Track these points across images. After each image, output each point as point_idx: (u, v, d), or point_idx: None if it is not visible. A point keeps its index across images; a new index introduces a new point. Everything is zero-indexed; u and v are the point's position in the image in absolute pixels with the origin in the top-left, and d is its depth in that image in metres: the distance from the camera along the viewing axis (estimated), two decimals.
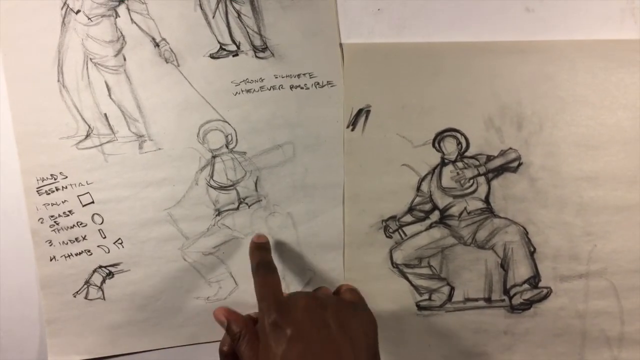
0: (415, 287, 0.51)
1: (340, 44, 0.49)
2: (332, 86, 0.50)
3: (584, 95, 0.48)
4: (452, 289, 0.51)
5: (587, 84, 0.48)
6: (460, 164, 0.50)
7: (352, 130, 0.50)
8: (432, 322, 0.51)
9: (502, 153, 0.49)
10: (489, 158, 0.49)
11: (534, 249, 0.50)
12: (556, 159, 0.49)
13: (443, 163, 0.50)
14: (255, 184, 0.51)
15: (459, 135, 0.49)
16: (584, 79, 0.48)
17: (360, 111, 0.49)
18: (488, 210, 0.50)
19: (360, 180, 0.50)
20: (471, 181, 0.50)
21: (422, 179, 0.50)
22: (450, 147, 0.49)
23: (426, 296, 0.51)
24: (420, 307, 0.51)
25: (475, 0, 0.48)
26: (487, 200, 0.50)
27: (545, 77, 0.48)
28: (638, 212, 0.49)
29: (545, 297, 0.50)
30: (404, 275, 0.51)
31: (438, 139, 0.49)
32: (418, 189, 0.50)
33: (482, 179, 0.50)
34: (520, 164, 0.49)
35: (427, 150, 0.49)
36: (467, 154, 0.49)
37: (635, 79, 0.48)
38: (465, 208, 0.50)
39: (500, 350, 0.51)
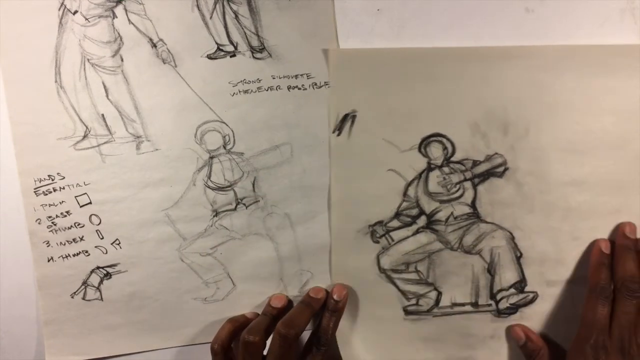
0: (403, 292, 0.51)
1: (325, 50, 0.49)
2: (329, 87, 0.50)
3: (569, 100, 0.48)
4: (440, 293, 0.51)
5: (573, 89, 0.48)
6: (446, 169, 0.49)
7: (338, 135, 0.50)
8: (420, 327, 0.51)
9: (488, 158, 0.49)
10: (475, 163, 0.49)
11: (521, 253, 0.50)
12: (542, 164, 0.49)
13: (429, 168, 0.50)
14: (253, 184, 0.51)
15: (444, 140, 0.49)
16: (569, 84, 0.48)
17: (346, 116, 0.49)
18: (474, 215, 0.50)
19: (347, 185, 0.50)
20: (457, 186, 0.50)
21: (409, 184, 0.50)
22: (436, 152, 0.49)
23: (413, 301, 0.51)
24: (407, 312, 0.51)
25: (475, 0, 0.48)
26: (473, 205, 0.50)
27: (531, 82, 0.48)
28: (625, 217, 0.48)
29: (532, 301, 0.50)
30: (391, 280, 0.51)
31: (424, 144, 0.49)
32: (404, 194, 0.50)
33: (468, 184, 0.50)
34: (506, 169, 0.49)
35: (414, 155, 0.49)
36: (453, 159, 0.49)
37: (621, 83, 0.47)
38: (451, 213, 0.50)
39: (487, 355, 0.51)
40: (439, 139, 0.49)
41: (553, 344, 0.50)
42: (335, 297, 0.49)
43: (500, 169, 0.49)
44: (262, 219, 0.51)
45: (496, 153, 0.49)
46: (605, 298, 0.45)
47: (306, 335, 0.52)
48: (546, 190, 0.49)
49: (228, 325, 0.50)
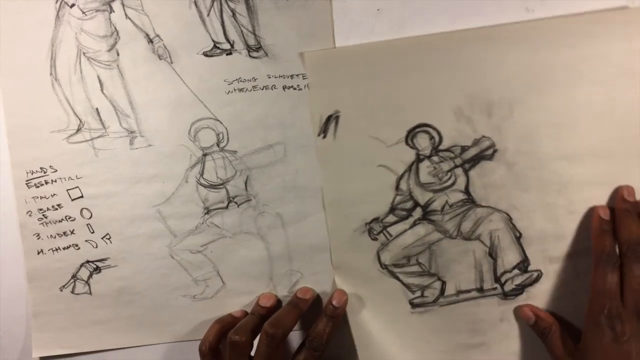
0: (407, 286, 0.51)
1: (301, 53, 0.49)
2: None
3: (550, 74, 0.47)
4: (444, 283, 0.51)
5: (552, 63, 0.47)
6: (435, 158, 0.49)
7: (324, 137, 0.49)
8: (428, 319, 0.51)
9: (476, 142, 0.49)
10: (464, 149, 0.49)
11: (520, 233, 0.49)
12: (531, 142, 0.48)
13: (418, 159, 0.49)
14: (245, 183, 0.51)
15: (430, 130, 0.49)
16: (547, 57, 0.47)
17: (329, 118, 0.49)
18: (469, 200, 0.50)
19: (338, 186, 0.50)
20: (449, 174, 0.49)
21: (400, 178, 0.50)
22: (423, 142, 0.49)
23: (418, 293, 0.51)
24: (413, 305, 0.51)
25: (476, 0, 0.48)
26: (467, 191, 0.50)
27: (509, 60, 0.48)
28: (619, 185, 0.48)
29: (537, 280, 0.50)
30: (393, 275, 0.51)
31: (410, 136, 0.49)
32: (397, 188, 0.50)
33: (459, 171, 0.49)
34: (495, 151, 0.49)
35: (401, 149, 0.49)
36: (441, 147, 0.49)
37: (599, 51, 0.47)
38: (446, 201, 0.50)
39: (498, 339, 0.50)
40: (425, 129, 0.49)
41: (562, 320, 0.50)
42: (334, 302, 0.49)
43: (489, 152, 0.49)
44: (254, 218, 0.51)
45: (483, 136, 0.49)
46: (613, 264, 0.45)
47: (294, 335, 0.52)
48: (538, 167, 0.48)
49: (216, 326, 0.50)
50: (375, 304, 0.51)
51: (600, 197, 0.48)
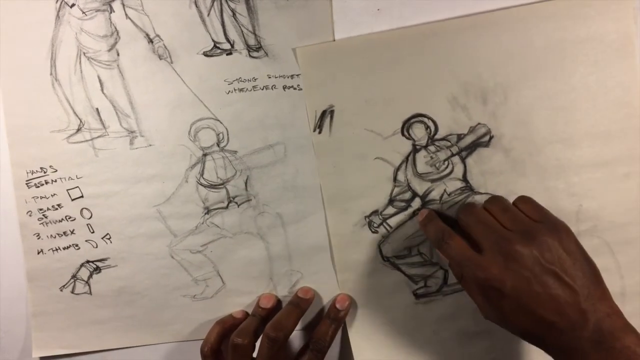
0: (410, 277, 0.51)
1: (294, 49, 0.49)
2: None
3: (542, 58, 0.48)
4: (446, 272, 0.51)
5: (543, 47, 0.47)
6: (432, 148, 0.49)
7: (320, 133, 0.50)
8: (432, 308, 0.51)
9: (472, 130, 0.49)
10: (460, 137, 0.49)
11: None
12: (526, 126, 0.48)
13: (415, 149, 0.50)
14: (246, 183, 0.51)
15: (426, 120, 0.49)
16: (539, 42, 0.47)
17: (324, 113, 0.49)
18: (467, 188, 0.50)
19: (336, 181, 0.50)
20: (446, 163, 0.50)
21: (398, 169, 0.50)
22: (419, 132, 0.49)
23: (422, 284, 0.51)
24: (417, 296, 0.51)
25: (477, 1, 0.48)
26: (465, 178, 0.50)
27: (502, 47, 0.48)
28: (617, 165, 0.48)
29: None
30: (396, 267, 0.51)
31: (406, 127, 0.49)
32: (395, 179, 0.50)
33: (456, 159, 0.49)
34: (491, 138, 0.49)
35: (398, 140, 0.49)
36: (437, 136, 0.49)
37: (590, 32, 0.47)
38: (444, 190, 0.50)
39: None
40: (420, 119, 0.49)
41: None
42: (338, 306, 0.50)
43: (486, 139, 0.49)
44: (254, 218, 0.51)
45: (479, 123, 0.49)
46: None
47: (293, 335, 0.52)
48: (535, 151, 0.49)
49: (217, 328, 0.50)
50: (378, 297, 0.51)
51: (598, 178, 0.49)
